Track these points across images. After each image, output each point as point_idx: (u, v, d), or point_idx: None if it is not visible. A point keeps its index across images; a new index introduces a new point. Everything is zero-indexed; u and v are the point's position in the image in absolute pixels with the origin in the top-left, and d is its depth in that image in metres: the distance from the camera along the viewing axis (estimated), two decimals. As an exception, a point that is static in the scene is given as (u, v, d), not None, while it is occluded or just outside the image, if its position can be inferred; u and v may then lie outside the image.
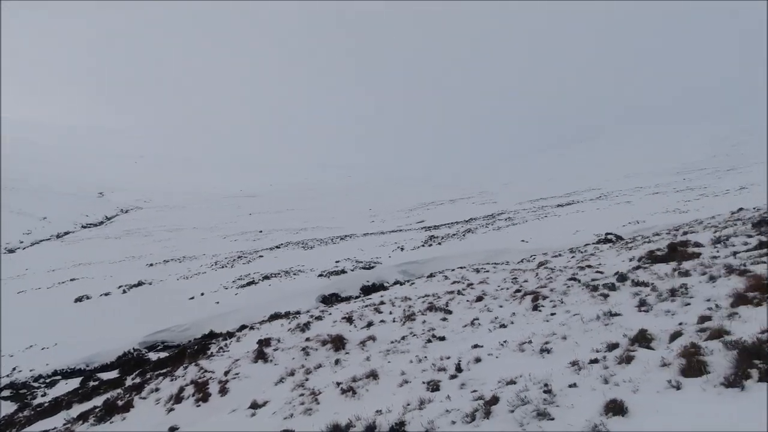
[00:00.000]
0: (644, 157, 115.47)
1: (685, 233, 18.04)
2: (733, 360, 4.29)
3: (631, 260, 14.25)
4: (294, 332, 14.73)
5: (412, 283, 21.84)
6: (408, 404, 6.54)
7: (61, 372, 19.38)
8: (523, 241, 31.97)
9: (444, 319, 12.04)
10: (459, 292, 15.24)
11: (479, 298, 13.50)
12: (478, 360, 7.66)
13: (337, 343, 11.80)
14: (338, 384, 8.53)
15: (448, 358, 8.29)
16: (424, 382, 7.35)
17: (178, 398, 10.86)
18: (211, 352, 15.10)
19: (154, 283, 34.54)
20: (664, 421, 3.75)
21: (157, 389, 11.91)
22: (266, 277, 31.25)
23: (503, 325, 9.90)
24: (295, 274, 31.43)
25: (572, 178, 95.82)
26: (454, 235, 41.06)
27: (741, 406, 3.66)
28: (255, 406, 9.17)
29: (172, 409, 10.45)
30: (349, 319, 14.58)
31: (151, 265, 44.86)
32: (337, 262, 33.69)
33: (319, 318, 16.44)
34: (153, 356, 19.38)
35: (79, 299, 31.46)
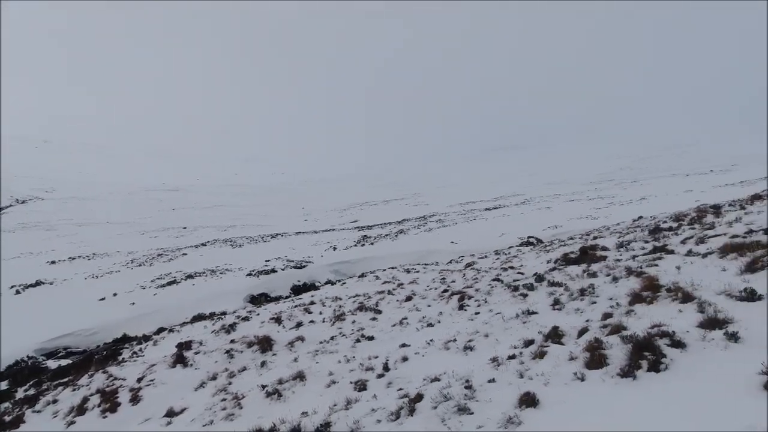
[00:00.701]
0: (564, 167, 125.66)
1: (594, 238, 19.79)
2: (628, 352, 4.77)
3: (548, 262, 15.35)
4: (218, 334, 14.02)
5: (344, 283, 21.76)
6: (335, 405, 6.51)
7: (-67, 385, 16.73)
8: (452, 242, 33.23)
9: (374, 319, 12.13)
10: (389, 292, 15.45)
11: (409, 298, 13.78)
12: (405, 359, 7.81)
13: (264, 344, 11.42)
14: (263, 387, 8.27)
15: (376, 357, 8.37)
16: (351, 382, 7.35)
17: (80, 410, 9.84)
18: (123, 358, 13.90)
19: (57, 283, 31.08)
20: (569, 411, 4.07)
21: (55, 401, 10.70)
22: (190, 276, 29.46)
23: (430, 324, 10.20)
24: (222, 273, 29.97)
25: (500, 184, 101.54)
26: (386, 235, 41.63)
27: (632, 394, 4.08)
28: (171, 414, 8.59)
29: (72, 422, 9.45)
30: (278, 320, 14.19)
31: (53, 262, 40.37)
32: (267, 261, 32.67)
33: (246, 319, 15.83)
34: (53, 364, 17.37)
35: (-40, 301, 27.39)
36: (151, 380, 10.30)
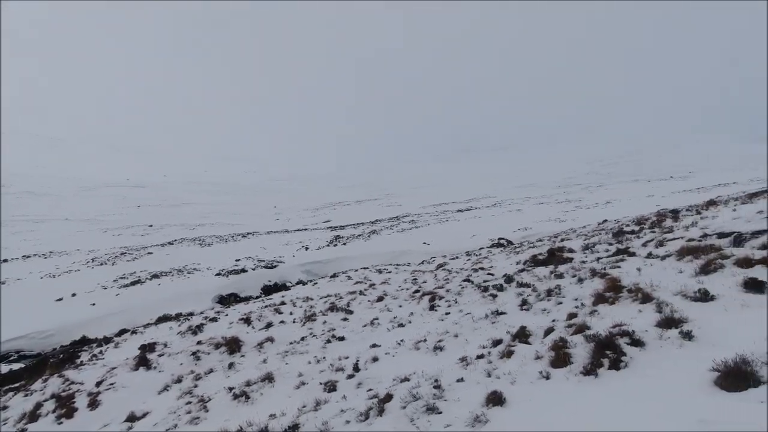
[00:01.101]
0: (535, 171, 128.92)
1: (562, 240, 20.38)
2: (590, 351, 4.93)
3: (517, 263, 15.68)
4: (184, 335, 13.63)
5: (315, 283, 21.59)
6: (304, 406, 6.43)
7: None
8: (425, 243, 33.50)
9: (345, 319, 12.08)
10: (361, 293, 15.42)
11: (380, 299, 13.79)
12: (375, 359, 7.79)
13: (233, 345, 11.18)
14: (231, 389, 8.10)
15: (347, 358, 8.33)
16: (321, 383, 7.28)
17: (33, 416, 9.33)
18: (81, 361, 13.29)
19: (9, 282, 29.47)
20: (534, 409, 4.16)
21: (4, 407, 10.11)
22: (155, 276, 28.52)
23: (401, 325, 10.22)
24: (189, 273, 29.16)
25: (473, 186, 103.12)
26: (359, 235, 41.57)
27: (594, 391, 4.22)
28: (132, 418, 8.28)
29: (24, 430, 8.94)
30: (247, 320, 13.94)
31: (6, 261, 38.27)
32: (237, 260, 32.04)
33: (213, 319, 15.47)
34: (3, 368, 16.42)
35: None
36: (112, 384, 9.89)
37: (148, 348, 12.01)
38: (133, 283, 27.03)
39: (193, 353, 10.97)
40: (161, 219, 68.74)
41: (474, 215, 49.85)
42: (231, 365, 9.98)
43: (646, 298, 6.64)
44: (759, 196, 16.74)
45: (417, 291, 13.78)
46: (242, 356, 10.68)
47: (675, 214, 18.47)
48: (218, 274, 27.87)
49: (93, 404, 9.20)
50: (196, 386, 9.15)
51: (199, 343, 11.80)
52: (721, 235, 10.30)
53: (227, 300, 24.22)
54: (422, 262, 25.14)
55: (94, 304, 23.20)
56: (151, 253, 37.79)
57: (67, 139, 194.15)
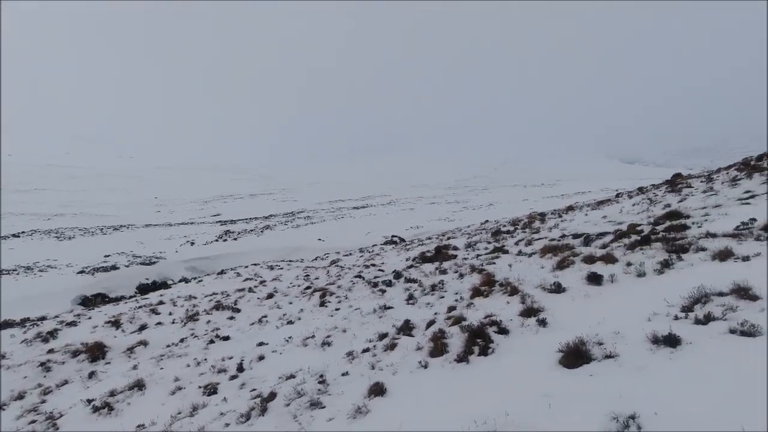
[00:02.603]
0: (428, 172, 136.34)
1: (448, 238, 21.89)
2: (464, 340, 5.37)
3: (407, 260, 16.44)
4: (31, 344, 11.67)
5: (200, 281, 20.11)
6: (179, 413, 5.97)
7: None
8: (320, 239, 33.33)
9: (231, 318, 11.48)
10: (250, 290, 14.80)
11: (270, 296, 13.37)
12: (261, 358, 7.54)
13: (95, 352, 9.89)
14: (90, 401, 7.16)
15: (231, 358, 7.94)
16: (200, 387, 6.82)
17: None
18: None
19: None
20: (412, 396, 4.42)
21: None
22: (-6, 274, 23.87)
23: (291, 322, 10.04)
24: (42, 271, 25.01)
25: (369, 184, 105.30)
26: (251, 230, 39.79)
27: (465, 376, 4.62)
28: (-49, 447, 6.83)
29: None
30: (116, 323, 12.47)
31: None
32: (106, 256, 28.40)
33: (72, 324, 13.52)
34: None
35: None
36: (-77, 407, 8.02)
37: (-21, 360, 10.01)
38: (-37, 283, 22.29)
39: (42, 363, 9.46)
40: (3, 207, 57.80)
41: (369, 213, 51.01)
42: (92, 374, 8.82)
43: (514, 291, 7.45)
44: (604, 203, 19.90)
45: (308, 287, 13.65)
46: (107, 363, 9.51)
47: (542, 216, 21.05)
48: (81, 272, 24.38)
49: None
50: (44, 402, 7.89)
51: (50, 351, 10.22)
52: (575, 236, 12.00)
53: (92, 301, 21.35)
54: (316, 259, 24.98)
55: None
56: (-11, 246, 31.60)
57: None
